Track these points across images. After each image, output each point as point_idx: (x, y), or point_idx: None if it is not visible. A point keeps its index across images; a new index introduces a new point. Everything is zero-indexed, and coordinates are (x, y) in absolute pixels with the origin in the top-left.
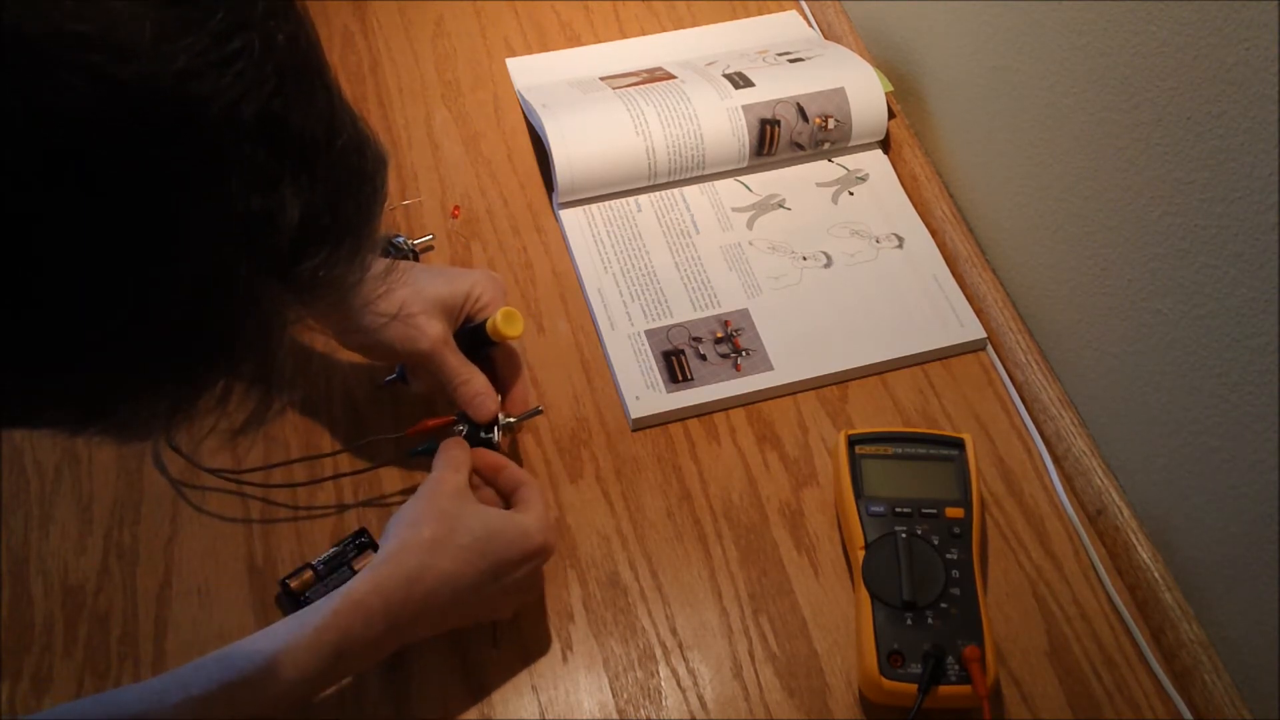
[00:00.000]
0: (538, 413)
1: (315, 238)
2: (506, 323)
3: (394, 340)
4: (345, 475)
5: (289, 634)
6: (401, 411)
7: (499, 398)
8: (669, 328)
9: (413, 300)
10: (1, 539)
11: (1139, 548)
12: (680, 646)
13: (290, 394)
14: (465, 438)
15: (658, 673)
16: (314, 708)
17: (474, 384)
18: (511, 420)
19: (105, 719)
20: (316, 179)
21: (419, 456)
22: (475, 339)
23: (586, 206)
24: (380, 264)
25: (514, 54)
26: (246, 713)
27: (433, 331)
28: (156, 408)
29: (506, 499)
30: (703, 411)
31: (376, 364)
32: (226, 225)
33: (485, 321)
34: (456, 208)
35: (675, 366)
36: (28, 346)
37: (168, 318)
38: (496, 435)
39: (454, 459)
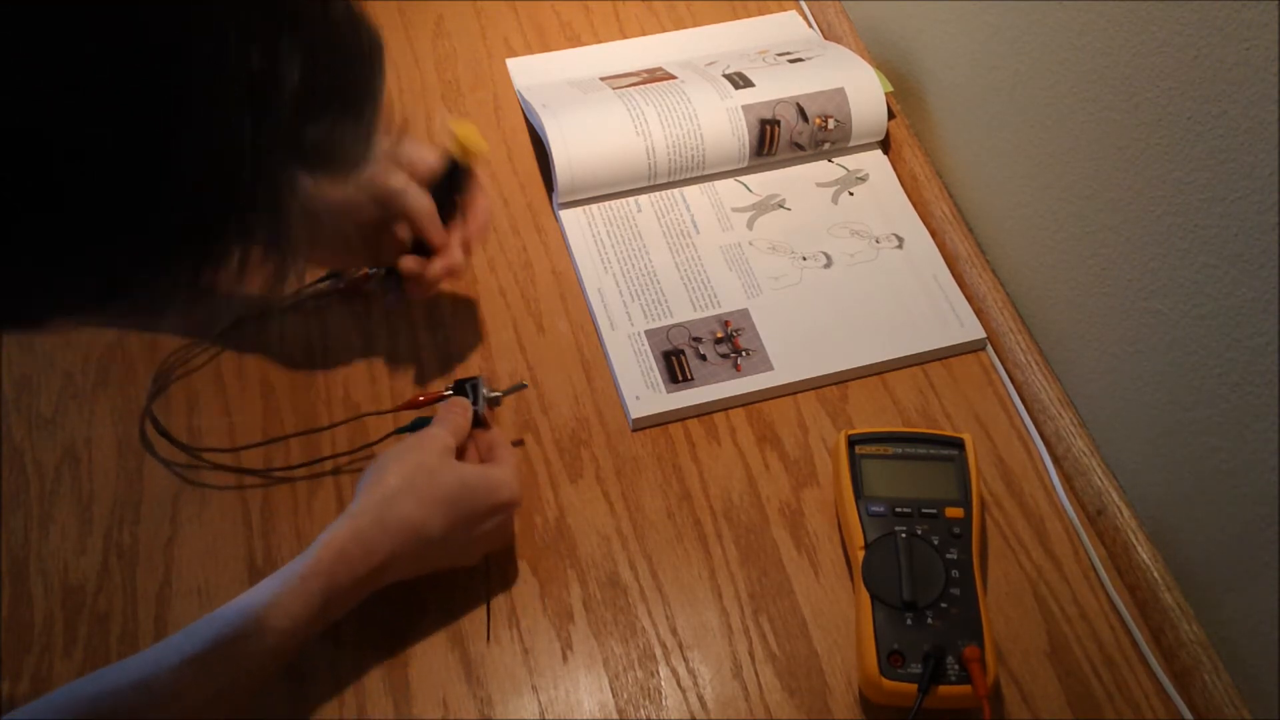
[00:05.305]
0: (522, 387)
1: (317, 104)
2: (469, 137)
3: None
4: (342, 455)
5: (275, 587)
6: (397, 389)
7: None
8: (669, 328)
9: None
10: (1, 539)
11: (1139, 548)
12: (680, 646)
13: (305, 264)
14: None
15: (658, 673)
16: (314, 707)
17: (410, 192)
18: (497, 394)
19: (106, 693)
20: (314, 41)
21: (406, 434)
22: (444, 183)
23: (586, 206)
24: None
25: (514, 54)
26: (244, 665)
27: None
28: (177, 279)
29: (483, 457)
30: (703, 411)
31: (374, 347)
32: (229, 85)
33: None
34: None
35: (675, 366)
36: (43, 224)
37: (180, 183)
38: (481, 406)
39: (453, 422)
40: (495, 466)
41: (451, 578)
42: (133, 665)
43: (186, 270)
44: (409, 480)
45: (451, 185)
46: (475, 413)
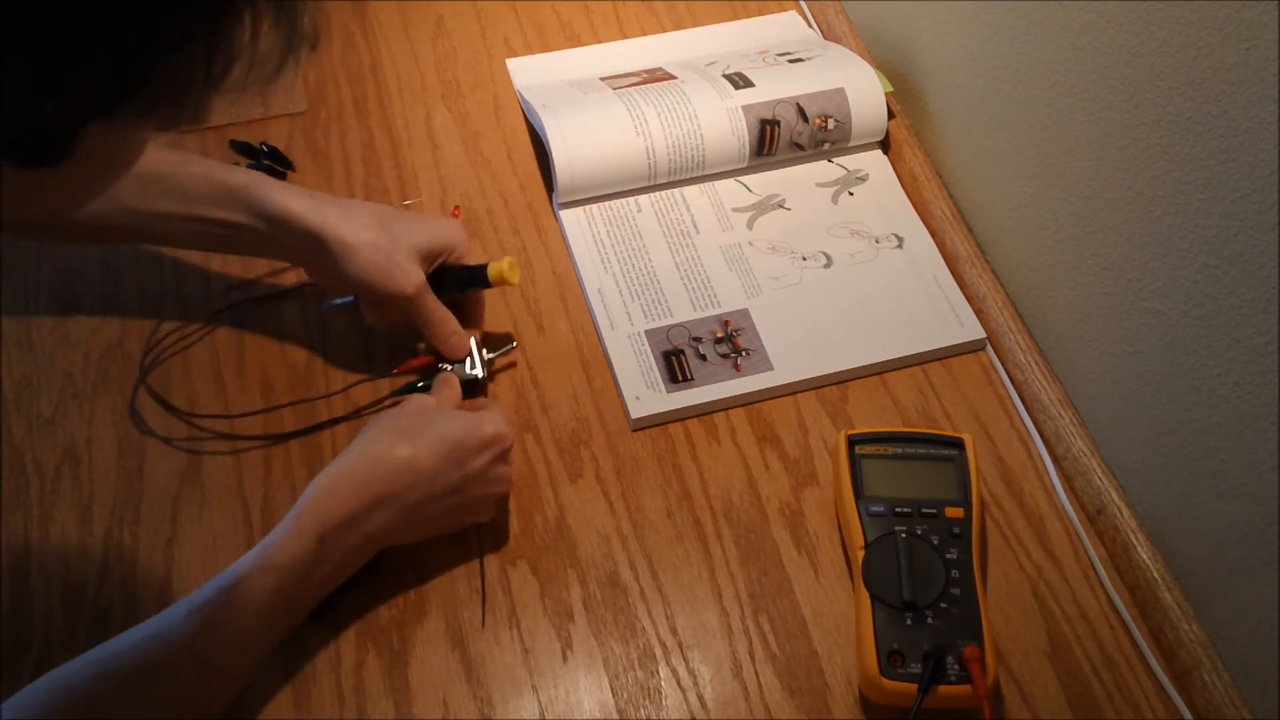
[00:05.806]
0: (513, 347)
1: None
2: (511, 271)
3: (377, 282)
4: (340, 420)
5: (271, 534)
6: (395, 382)
7: (469, 338)
8: (669, 328)
9: (396, 243)
10: (2, 539)
11: (1139, 548)
12: (680, 646)
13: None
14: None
15: (658, 673)
16: (314, 707)
17: (449, 325)
18: (491, 357)
19: (123, 649)
20: None
21: (401, 396)
22: (467, 281)
23: (586, 206)
24: None
25: (514, 54)
26: (249, 607)
27: (416, 277)
28: (192, 59)
29: None
30: (703, 411)
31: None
32: None
33: (482, 266)
34: (457, 208)
35: (675, 366)
36: (50, 13)
37: None
38: (480, 372)
39: (442, 393)
40: (482, 411)
41: (451, 576)
42: (146, 624)
43: (199, 46)
44: (396, 428)
45: (466, 285)
46: (474, 378)
